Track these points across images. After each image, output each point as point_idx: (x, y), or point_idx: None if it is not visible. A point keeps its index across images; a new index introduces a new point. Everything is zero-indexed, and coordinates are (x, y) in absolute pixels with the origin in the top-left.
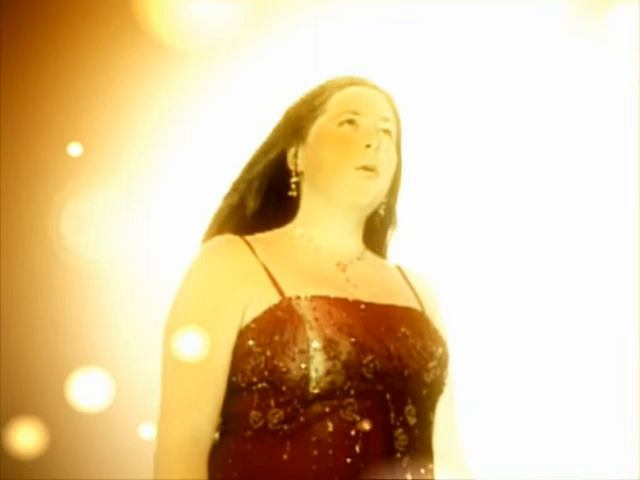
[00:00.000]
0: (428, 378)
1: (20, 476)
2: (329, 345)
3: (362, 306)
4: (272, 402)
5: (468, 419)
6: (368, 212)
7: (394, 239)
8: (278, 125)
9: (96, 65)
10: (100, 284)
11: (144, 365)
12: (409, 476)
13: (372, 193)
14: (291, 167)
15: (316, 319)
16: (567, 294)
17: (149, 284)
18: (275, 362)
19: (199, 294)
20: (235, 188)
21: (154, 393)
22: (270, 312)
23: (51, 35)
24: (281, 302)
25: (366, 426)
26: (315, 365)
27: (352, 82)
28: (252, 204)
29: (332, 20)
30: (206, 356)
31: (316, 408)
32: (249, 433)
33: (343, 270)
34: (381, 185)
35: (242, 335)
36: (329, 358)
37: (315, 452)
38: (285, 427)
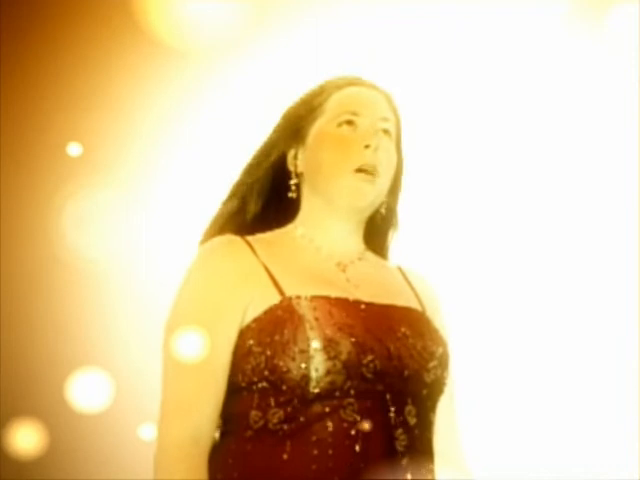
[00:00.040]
0: (428, 378)
1: (20, 476)
2: (329, 345)
3: (362, 306)
4: (272, 402)
5: (468, 419)
6: (368, 213)
7: (395, 240)
8: (277, 126)
9: (96, 65)
10: (100, 284)
11: (144, 365)
12: (409, 476)
13: (371, 196)
14: (291, 168)
15: (316, 319)
16: (567, 294)
17: (149, 284)
18: (275, 362)
19: (200, 294)
20: (235, 192)
21: (154, 393)
22: (270, 312)
23: (51, 35)
24: (281, 302)
25: (366, 426)
26: (315, 365)
27: (351, 82)
28: (253, 207)
29: (332, 20)
30: (206, 356)
31: (316, 408)
32: (249, 433)
33: (343, 270)
34: (381, 186)
35: (243, 335)
36: (329, 358)
37: (315, 452)
38: (285, 427)
